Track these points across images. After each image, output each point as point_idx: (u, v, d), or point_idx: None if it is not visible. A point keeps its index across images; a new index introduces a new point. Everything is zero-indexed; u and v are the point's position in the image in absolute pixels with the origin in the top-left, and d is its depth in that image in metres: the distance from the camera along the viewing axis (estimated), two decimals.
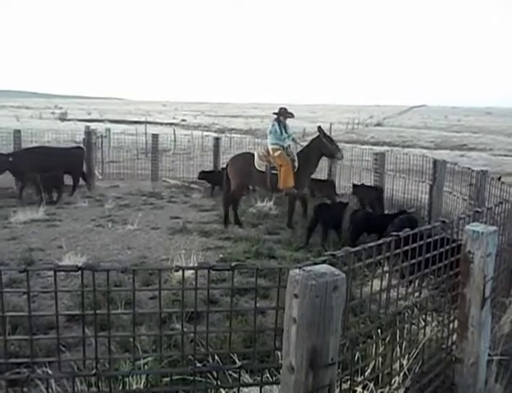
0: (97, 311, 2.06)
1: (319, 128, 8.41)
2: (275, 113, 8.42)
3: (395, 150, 13.67)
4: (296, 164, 8.09)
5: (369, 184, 9.44)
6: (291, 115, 8.47)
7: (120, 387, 2.52)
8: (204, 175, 11.61)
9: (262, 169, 8.12)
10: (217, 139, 13.13)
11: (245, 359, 2.77)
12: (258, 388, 2.56)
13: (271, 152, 8.15)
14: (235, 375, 2.77)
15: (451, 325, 3.07)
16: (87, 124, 21.08)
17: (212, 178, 11.31)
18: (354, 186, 9.52)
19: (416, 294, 2.90)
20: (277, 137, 8.22)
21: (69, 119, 43.46)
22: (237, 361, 2.59)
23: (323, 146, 8.08)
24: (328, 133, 8.37)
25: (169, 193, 11.20)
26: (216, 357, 2.89)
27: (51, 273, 5.39)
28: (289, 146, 8.44)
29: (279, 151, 8.10)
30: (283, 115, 8.32)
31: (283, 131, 8.26)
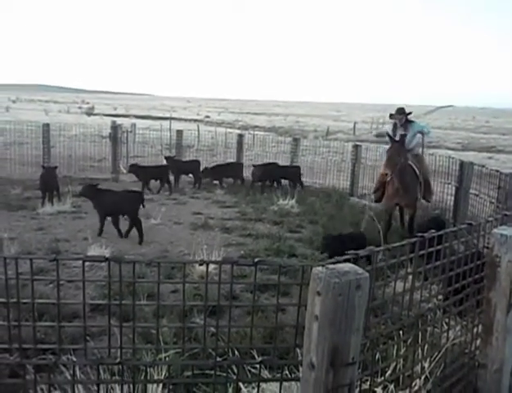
0: (122, 302, 2.10)
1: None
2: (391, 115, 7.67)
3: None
4: (393, 174, 6.82)
5: None
6: (396, 116, 7.47)
7: (142, 377, 2.58)
8: (134, 169, 10.84)
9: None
10: (240, 136, 13.17)
11: (263, 355, 2.78)
12: (276, 384, 2.57)
13: None
14: (254, 371, 2.79)
15: (474, 330, 3.02)
16: (114, 118, 21.42)
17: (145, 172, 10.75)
18: None
19: (440, 297, 2.86)
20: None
21: (96, 114, 44.28)
22: (256, 357, 2.61)
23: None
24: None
25: (192, 189, 11.31)
26: (236, 352, 2.91)
27: (77, 263, 5.51)
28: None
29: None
30: (395, 117, 7.49)
31: (397, 135, 7.19)
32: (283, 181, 11.63)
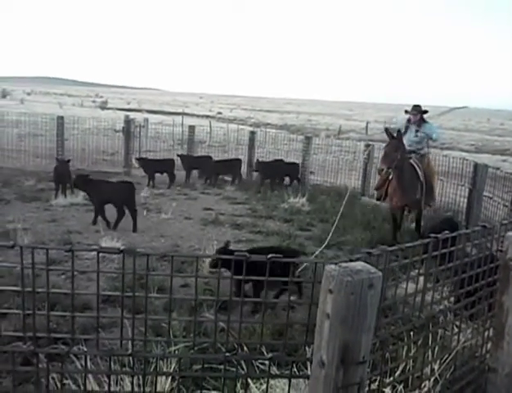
0: (134, 294, 2.12)
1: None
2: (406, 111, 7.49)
3: (434, 151, 13.32)
4: (392, 172, 6.69)
5: None
6: (411, 112, 7.28)
7: (152, 369, 2.60)
8: (141, 162, 11.11)
9: None
10: (252, 133, 13.16)
11: (272, 351, 2.79)
12: (284, 381, 2.58)
13: None
14: (263, 367, 2.80)
15: (486, 333, 2.99)
16: (127, 113, 21.54)
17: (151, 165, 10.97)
18: None
19: (451, 299, 2.84)
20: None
21: (109, 108, 44.58)
22: (265, 353, 2.62)
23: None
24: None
25: (203, 184, 11.35)
26: (245, 348, 2.92)
27: (89, 255, 5.55)
28: (413, 151, 7.15)
29: None
30: (410, 113, 7.31)
31: (409, 132, 7.20)
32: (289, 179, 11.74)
